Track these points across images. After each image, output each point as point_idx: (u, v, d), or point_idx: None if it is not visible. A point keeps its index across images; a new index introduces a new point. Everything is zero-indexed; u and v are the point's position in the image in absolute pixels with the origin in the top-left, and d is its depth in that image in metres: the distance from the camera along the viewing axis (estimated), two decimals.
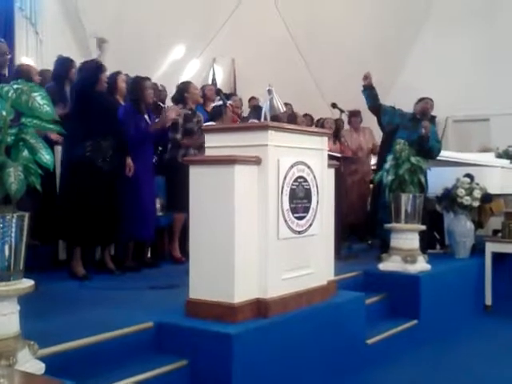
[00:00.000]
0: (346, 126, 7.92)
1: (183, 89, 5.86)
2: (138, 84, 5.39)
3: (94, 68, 4.96)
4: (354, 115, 7.64)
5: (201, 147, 5.52)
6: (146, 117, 5.40)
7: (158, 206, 5.67)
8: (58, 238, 5.06)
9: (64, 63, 5.63)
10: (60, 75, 5.49)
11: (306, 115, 8.14)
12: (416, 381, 4.13)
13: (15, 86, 2.46)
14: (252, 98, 8.95)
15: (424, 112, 6.14)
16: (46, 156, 2.49)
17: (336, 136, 6.84)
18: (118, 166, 4.98)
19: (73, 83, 5.21)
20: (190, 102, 5.80)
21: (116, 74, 5.39)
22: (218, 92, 7.26)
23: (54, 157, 2.60)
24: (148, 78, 5.56)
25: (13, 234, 2.33)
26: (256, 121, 6.34)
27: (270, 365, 3.33)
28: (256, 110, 7.29)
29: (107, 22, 9.19)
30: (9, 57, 4.66)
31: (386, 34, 11.53)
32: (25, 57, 8.46)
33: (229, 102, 6.70)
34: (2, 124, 2.39)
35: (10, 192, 2.34)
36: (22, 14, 8.70)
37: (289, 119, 7.12)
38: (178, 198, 5.33)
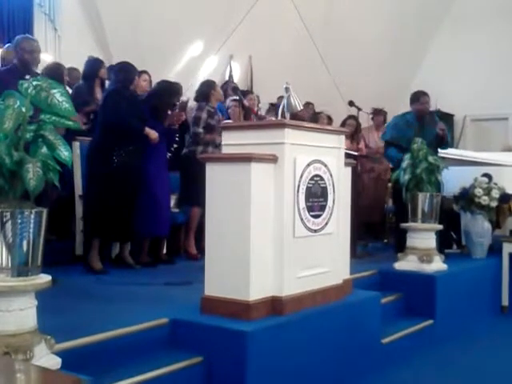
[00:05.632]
0: (365, 124, 7.86)
1: (210, 86, 5.98)
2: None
3: (129, 70, 5.10)
4: (378, 114, 7.57)
5: (219, 144, 5.58)
6: None
7: (172, 202, 5.69)
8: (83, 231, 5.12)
9: (94, 64, 5.72)
10: (90, 75, 5.58)
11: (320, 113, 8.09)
12: (431, 380, 4.11)
13: (34, 83, 2.49)
14: (280, 98, 8.91)
15: (423, 113, 6.02)
16: (64, 152, 2.51)
17: (353, 136, 6.81)
18: (140, 162, 5.08)
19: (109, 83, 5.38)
20: (214, 99, 5.90)
21: (139, 73, 5.49)
22: (235, 89, 7.31)
23: (72, 153, 2.63)
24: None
25: (31, 230, 2.35)
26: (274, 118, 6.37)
27: (285, 363, 3.32)
28: (274, 107, 7.30)
29: (126, 18, 9.21)
30: (36, 55, 4.69)
31: (405, 31, 11.46)
32: (44, 53, 8.52)
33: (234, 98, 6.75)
34: (21, 120, 2.41)
35: (28, 188, 2.36)
36: (41, 10, 8.76)
37: (312, 119, 7.12)
38: (194, 193, 5.36)
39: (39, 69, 4.98)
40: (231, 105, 6.42)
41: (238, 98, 6.52)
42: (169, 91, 5.47)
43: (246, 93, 8.31)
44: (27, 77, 4.43)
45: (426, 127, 5.97)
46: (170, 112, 5.46)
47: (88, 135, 5.26)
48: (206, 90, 5.91)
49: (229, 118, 6.25)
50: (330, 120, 8.14)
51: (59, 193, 4.60)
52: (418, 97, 6.06)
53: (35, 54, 4.64)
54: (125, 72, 5.06)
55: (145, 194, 5.11)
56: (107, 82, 5.79)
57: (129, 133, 4.92)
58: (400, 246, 5.51)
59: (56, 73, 5.12)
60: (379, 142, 7.55)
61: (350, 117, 7.24)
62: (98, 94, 5.63)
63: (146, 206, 5.11)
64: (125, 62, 5.27)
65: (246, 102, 7.03)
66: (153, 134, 5.05)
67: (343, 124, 7.30)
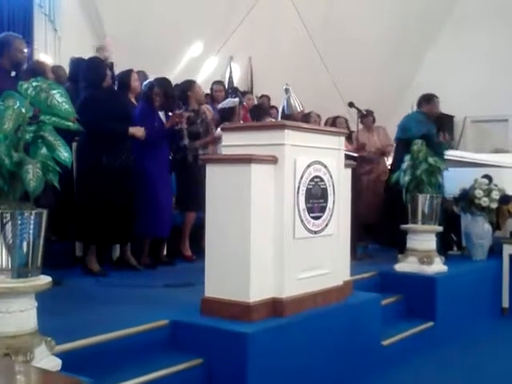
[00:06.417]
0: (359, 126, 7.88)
1: (187, 87, 5.75)
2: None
3: (98, 65, 4.94)
4: (366, 116, 7.60)
5: (213, 143, 5.53)
6: (162, 114, 5.43)
7: (173, 203, 5.69)
8: (74, 238, 5.08)
9: (78, 64, 5.67)
10: (76, 76, 5.53)
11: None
12: (431, 382, 4.11)
13: (34, 84, 2.48)
14: (262, 96, 8.89)
15: (433, 114, 6.14)
16: (64, 153, 2.51)
17: (349, 136, 6.81)
18: (132, 160, 5.02)
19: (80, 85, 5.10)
20: (193, 101, 5.69)
21: (129, 72, 5.37)
22: (235, 90, 7.27)
23: (72, 154, 2.62)
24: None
25: (31, 231, 2.35)
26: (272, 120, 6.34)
27: (285, 364, 3.32)
28: (256, 109, 7.19)
29: (126, 19, 9.22)
30: (26, 54, 4.70)
31: (405, 32, 11.47)
32: (43, 54, 8.53)
33: (236, 99, 6.68)
34: (21, 121, 2.40)
35: (28, 189, 2.35)
36: (41, 11, 8.76)
37: (302, 119, 7.10)
38: (189, 197, 5.35)
39: None
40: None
41: (238, 99, 6.48)
42: (166, 84, 5.42)
43: (244, 93, 8.32)
44: (13, 74, 4.44)
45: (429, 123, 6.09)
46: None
47: None
48: (182, 92, 5.70)
49: (228, 118, 6.19)
50: (319, 118, 8.13)
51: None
52: (431, 98, 6.19)
53: (25, 53, 4.67)
54: (93, 70, 4.88)
55: (146, 194, 5.10)
56: None
57: (113, 138, 4.79)
58: (395, 244, 5.52)
59: (38, 71, 5.05)
60: (377, 142, 7.57)
61: (339, 116, 7.27)
62: None
63: (147, 207, 5.10)
64: (91, 58, 5.13)
65: (244, 103, 7.01)
66: (138, 132, 4.90)
67: (333, 123, 7.30)
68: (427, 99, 6.18)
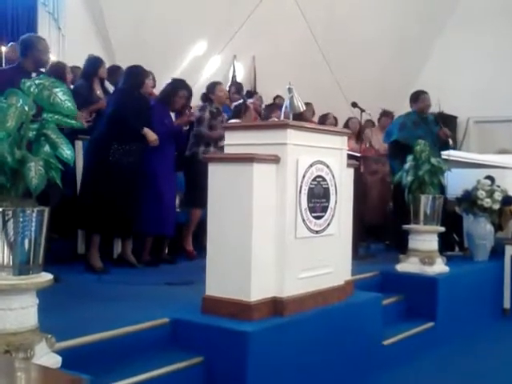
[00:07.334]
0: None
1: (209, 89, 5.93)
2: (172, 90, 5.47)
3: (140, 73, 5.11)
4: (386, 115, 7.56)
5: (221, 147, 5.58)
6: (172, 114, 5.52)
7: (177, 202, 5.70)
8: (77, 226, 5.10)
9: (93, 62, 5.75)
10: (89, 73, 5.60)
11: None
12: (432, 383, 4.10)
13: (37, 82, 2.49)
14: (277, 97, 8.90)
15: (425, 112, 6.10)
16: (66, 151, 2.51)
17: (357, 136, 6.81)
18: (140, 162, 5.05)
19: (116, 86, 5.39)
20: (216, 101, 5.85)
21: (147, 73, 5.49)
22: (239, 90, 7.29)
23: (74, 152, 2.63)
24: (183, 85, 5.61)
25: (33, 229, 2.35)
26: (276, 119, 6.35)
27: (286, 364, 3.32)
28: (270, 106, 7.27)
29: (129, 18, 9.23)
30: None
31: (408, 32, 11.45)
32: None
33: (249, 100, 6.72)
34: (24, 119, 2.41)
35: (30, 187, 2.36)
36: (45, 10, 8.79)
37: (319, 119, 7.15)
38: (196, 194, 5.36)
39: None
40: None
41: (243, 100, 6.51)
42: (176, 84, 5.52)
43: (252, 93, 8.31)
44: (33, 75, 4.45)
45: (430, 126, 6.02)
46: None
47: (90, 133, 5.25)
48: (206, 93, 5.92)
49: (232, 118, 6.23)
50: (336, 121, 8.15)
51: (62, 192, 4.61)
52: (418, 95, 6.13)
53: (49, 55, 4.70)
54: (133, 76, 5.06)
55: (151, 193, 5.12)
56: (106, 82, 5.82)
57: (126, 130, 4.86)
58: (402, 247, 5.51)
59: (58, 72, 5.11)
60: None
61: (352, 117, 7.27)
62: (99, 91, 5.65)
63: (151, 205, 5.12)
64: (134, 65, 5.23)
65: (249, 103, 7.01)
66: (151, 136, 4.96)
67: (346, 124, 7.31)
68: (415, 97, 6.13)
